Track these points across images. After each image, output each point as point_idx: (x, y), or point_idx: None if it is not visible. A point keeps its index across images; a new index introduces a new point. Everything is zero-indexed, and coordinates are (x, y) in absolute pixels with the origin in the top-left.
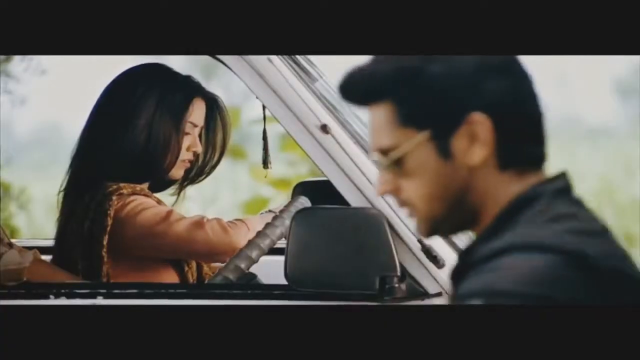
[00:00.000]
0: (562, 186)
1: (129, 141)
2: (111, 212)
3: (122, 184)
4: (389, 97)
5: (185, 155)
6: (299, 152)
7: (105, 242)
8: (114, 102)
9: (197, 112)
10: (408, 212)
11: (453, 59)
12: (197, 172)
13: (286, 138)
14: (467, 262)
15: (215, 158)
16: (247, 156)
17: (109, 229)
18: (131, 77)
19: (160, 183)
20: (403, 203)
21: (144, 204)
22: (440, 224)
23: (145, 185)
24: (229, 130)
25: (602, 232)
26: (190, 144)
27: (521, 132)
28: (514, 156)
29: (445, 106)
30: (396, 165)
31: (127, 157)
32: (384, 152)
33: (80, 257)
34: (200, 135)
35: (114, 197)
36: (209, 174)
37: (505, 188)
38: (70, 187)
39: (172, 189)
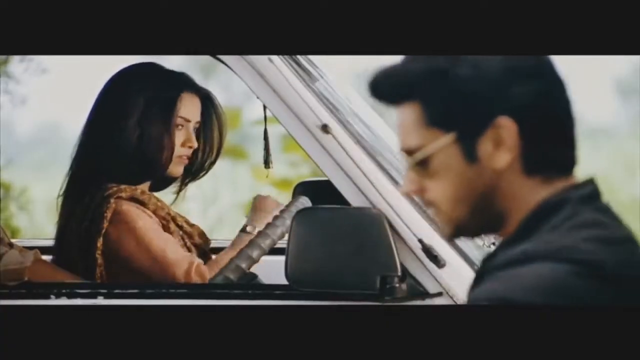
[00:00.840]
0: (589, 192)
1: (123, 141)
2: (108, 215)
3: (122, 186)
4: (417, 97)
5: (181, 151)
6: (301, 153)
7: (99, 245)
8: (108, 102)
9: (188, 107)
10: (433, 213)
11: (482, 62)
12: (197, 168)
13: (288, 139)
14: (486, 268)
15: (214, 154)
16: (248, 157)
17: (103, 231)
18: (123, 77)
19: (160, 182)
20: (428, 203)
21: (142, 223)
22: (464, 226)
23: (145, 185)
24: (224, 124)
25: (624, 241)
26: (185, 139)
27: (549, 137)
28: (541, 161)
29: (472, 109)
30: (422, 165)
31: (124, 157)
32: (410, 152)
33: (79, 256)
34: (198, 131)
35: (112, 200)
36: (208, 170)
37: (531, 193)
38: (70, 187)
39: (173, 187)
